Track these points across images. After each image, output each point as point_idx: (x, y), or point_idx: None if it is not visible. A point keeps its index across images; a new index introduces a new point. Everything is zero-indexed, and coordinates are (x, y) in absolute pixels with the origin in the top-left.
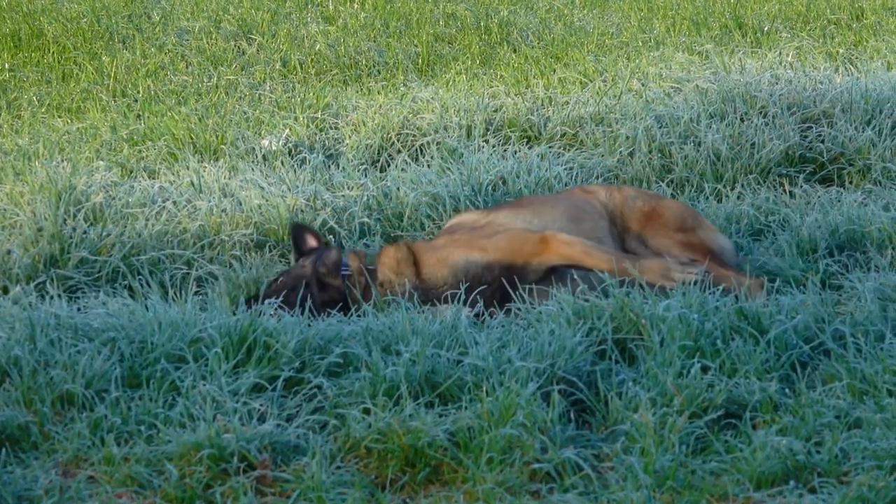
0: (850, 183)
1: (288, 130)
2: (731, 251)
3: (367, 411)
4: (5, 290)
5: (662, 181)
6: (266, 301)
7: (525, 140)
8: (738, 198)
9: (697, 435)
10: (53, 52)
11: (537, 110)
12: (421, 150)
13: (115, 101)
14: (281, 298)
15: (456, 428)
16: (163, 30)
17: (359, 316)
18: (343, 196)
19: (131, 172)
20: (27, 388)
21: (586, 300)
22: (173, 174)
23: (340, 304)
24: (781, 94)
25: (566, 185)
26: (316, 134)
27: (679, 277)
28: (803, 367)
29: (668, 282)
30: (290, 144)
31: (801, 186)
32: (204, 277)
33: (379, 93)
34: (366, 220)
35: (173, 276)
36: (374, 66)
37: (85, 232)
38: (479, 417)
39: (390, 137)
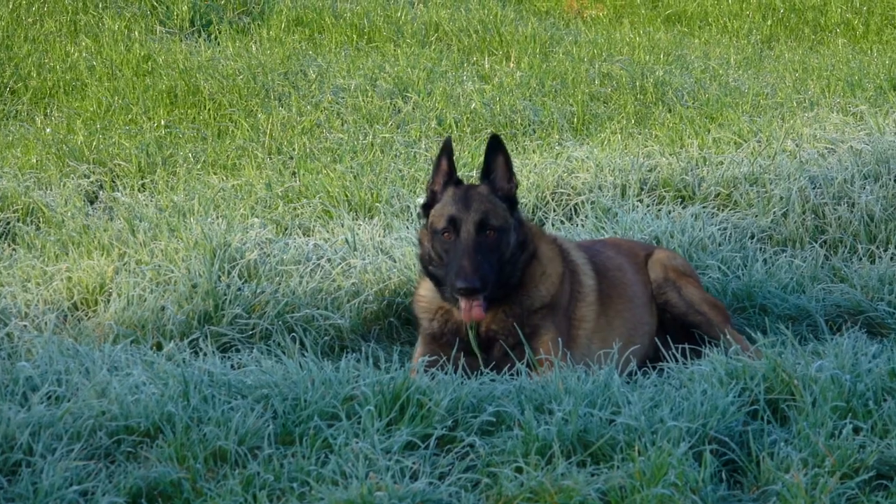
0: None
1: None
2: None
3: (519, 470)
4: (159, 347)
5: (815, 242)
6: None
7: (679, 200)
8: (892, 259)
9: (849, 496)
10: (209, 109)
11: (692, 170)
12: (575, 210)
13: (270, 159)
14: None
15: (608, 487)
16: (318, 87)
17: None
18: None
19: (286, 230)
20: (180, 444)
21: (739, 360)
22: (328, 231)
23: None
24: None
25: (720, 245)
26: None
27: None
28: None
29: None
30: None
31: None
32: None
33: (534, 151)
34: None
35: (327, 332)
36: (530, 125)
37: (239, 289)
38: (631, 477)
39: (545, 196)
